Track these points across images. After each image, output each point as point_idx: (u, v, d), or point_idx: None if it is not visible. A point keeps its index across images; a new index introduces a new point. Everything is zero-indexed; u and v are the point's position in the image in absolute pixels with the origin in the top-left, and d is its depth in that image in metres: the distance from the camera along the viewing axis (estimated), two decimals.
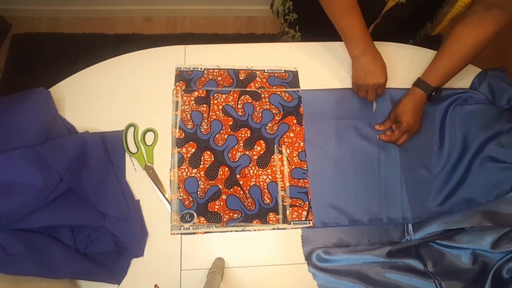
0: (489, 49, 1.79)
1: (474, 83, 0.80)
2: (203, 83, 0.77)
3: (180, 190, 0.69)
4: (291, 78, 0.79)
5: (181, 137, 0.73)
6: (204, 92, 0.76)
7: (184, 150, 0.72)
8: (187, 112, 0.74)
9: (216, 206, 0.69)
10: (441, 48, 0.72)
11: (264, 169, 0.72)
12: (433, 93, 0.72)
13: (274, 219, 0.69)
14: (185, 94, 0.75)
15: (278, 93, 0.77)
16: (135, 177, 0.70)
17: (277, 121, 0.75)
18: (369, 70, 0.71)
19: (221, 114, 0.75)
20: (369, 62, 0.71)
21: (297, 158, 0.73)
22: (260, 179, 0.71)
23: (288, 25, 0.98)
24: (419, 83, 0.72)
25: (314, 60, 0.81)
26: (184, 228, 0.67)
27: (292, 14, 0.95)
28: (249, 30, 1.69)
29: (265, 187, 0.71)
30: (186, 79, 0.77)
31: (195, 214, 0.68)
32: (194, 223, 0.68)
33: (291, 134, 0.74)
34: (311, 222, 0.69)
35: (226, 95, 0.76)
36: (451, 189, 0.72)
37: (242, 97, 0.76)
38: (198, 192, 0.70)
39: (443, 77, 0.71)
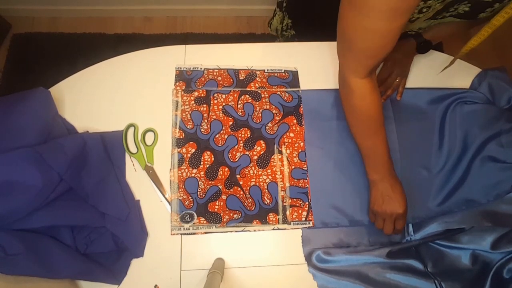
0: (489, 49, 1.80)
1: (474, 83, 0.80)
2: (203, 83, 0.77)
3: (180, 190, 0.69)
4: (291, 78, 0.79)
5: (181, 137, 0.73)
6: (204, 92, 0.76)
7: (184, 150, 0.72)
8: (187, 112, 0.74)
9: (216, 207, 0.69)
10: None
11: (264, 169, 0.72)
12: (422, 43, 0.73)
13: (274, 219, 0.69)
14: (185, 94, 0.75)
15: (278, 93, 0.77)
16: (135, 177, 0.70)
17: (277, 121, 0.75)
18: (387, 197, 0.65)
19: (221, 114, 0.75)
20: (388, 189, 0.65)
21: (297, 158, 0.73)
22: (260, 179, 0.71)
23: (285, 40, 0.98)
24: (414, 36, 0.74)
25: (314, 60, 0.81)
26: (184, 229, 0.67)
27: (290, 30, 0.95)
28: (249, 30, 1.69)
29: (265, 187, 0.71)
30: (186, 79, 0.77)
31: (195, 215, 0.68)
32: (194, 223, 0.68)
33: (291, 134, 0.74)
34: (311, 222, 0.69)
35: (226, 95, 0.76)
36: (451, 189, 0.72)
37: (242, 97, 0.76)
38: (198, 192, 0.69)
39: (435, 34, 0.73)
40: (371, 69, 0.58)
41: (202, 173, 0.71)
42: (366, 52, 0.55)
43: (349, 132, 0.75)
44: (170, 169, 0.71)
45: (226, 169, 0.71)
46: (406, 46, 0.76)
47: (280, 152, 0.73)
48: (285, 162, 0.72)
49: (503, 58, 1.68)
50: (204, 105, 0.75)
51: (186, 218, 0.68)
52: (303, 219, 0.69)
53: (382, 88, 0.76)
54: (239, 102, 0.76)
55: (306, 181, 0.72)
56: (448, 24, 0.71)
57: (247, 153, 0.73)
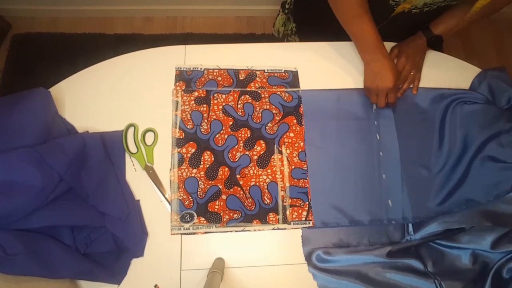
0: (489, 49, 1.80)
1: (474, 83, 0.80)
2: (203, 83, 0.77)
3: (180, 190, 0.69)
4: (291, 78, 0.79)
5: (181, 137, 0.73)
6: (204, 92, 0.76)
7: (184, 150, 0.72)
8: (187, 112, 0.74)
9: (216, 206, 0.69)
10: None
11: (264, 169, 0.72)
12: (433, 38, 0.76)
13: (274, 219, 0.69)
14: (185, 94, 0.75)
15: (278, 93, 0.77)
16: (135, 177, 0.70)
17: (277, 121, 0.75)
18: (379, 74, 0.71)
19: (221, 114, 0.75)
20: (380, 66, 0.71)
21: (297, 158, 0.73)
22: (260, 179, 0.71)
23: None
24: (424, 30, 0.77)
25: (314, 60, 0.81)
26: (184, 228, 0.67)
27: (295, 36, 0.95)
28: (249, 30, 1.69)
29: (265, 187, 0.71)
30: (186, 79, 0.77)
31: (195, 214, 0.68)
32: (194, 223, 0.68)
33: (291, 134, 0.74)
34: (311, 222, 0.69)
35: (226, 95, 0.76)
36: (451, 188, 0.72)
37: (242, 97, 0.76)
38: (198, 192, 0.70)
39: (445, 29, 0.76)
40: None
41: (202, 173, 0.71)
42: None
43: (349, 132, 0.75)
44: (170, 169, 0.71)
45: (226, 169, 0.71)
46: (417, 41, 0.78)
47: (280, 152, 0.73)
48: (285, 162, 0.72)
49: (503, 58, 1.68)
50: (204, 105, 0.75)
51: (186, 218, 0.68)
52: (303, 219, 0.69)
53: (398, 82, 0.77)
54: (239, 102, 0.76)
55: (306, 181, 0.72)
56: (455, 14, 0.73)
57: (247, 153, 0.73)
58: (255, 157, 0.72)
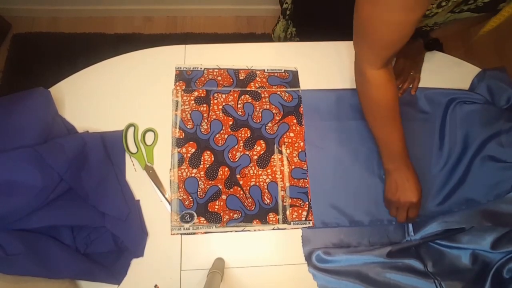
0: (489, 49, 1.80)
1: (473, 83, 0.80)
2: (203, 83, 0.77)
3: (180, 190, 0.69)
4: (291, 78, 0.79)
5: (181, 137, 0.73)
6: (204, 92, 0.76)
7: (184, 150, 0.72)
8: (187, 112, 0.74)
9: (216, 206, 0.69)
10: None
11: (264, 169, 0.72)
12: (430, 41, 0.76)
13: (274, 219, 0.69)
14: (185, 94, 0.75)
15: (278, 93, 0.77)
16: (135, 177, 0.70)
17: (277, 121, 0.75)
18: (401, 186, 0.66)
19: (221, 114, 0.75)
20: (403, 178, 0.66)
21: (297, 158, 0.73)
22: (260, 179, 0.71)
23: None
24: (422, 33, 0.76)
25: (314, 60, 0.81)
26: (184, 228, 0.67)
27: (294, 38, 0.95)
28: (249, 30, 1.69)
29: (265, 187, 0.71)
30: (186, 79, 0.77)
31: (195, 214, 0.68)
32: (194, 223, 0.68)
33: (291, 134, 0.74)
34: (311, 222, 0.69)
35: (226, 95, 0.76)
36: (451, 188, 0.72)
37: (242, 97, 0.76)
38: (198, 192, 0.69)
39: (441, 34, 0.77)
40: (387, 60, 0.59)
41: (202, 173, 0.71)
42: (382, 44, 0.56)
43: (349, 132, 0.75)
44: (170, 169, 0.71)
45: (226, 169, 0.71)
46: (415, 43, 0.78)
47: (280, 152, 0.73)
48: (285, 162, 0.72)
49: (503, 58, 1.68)
50: (204, 105, 0.75)
51: (186, 218, 0.68)
52: (303, 219, 0.69)
53: (398, 82, 0.78)
54: (239, 102, 0.76)
55: (306, 181, 0.72)
56: (455, 21, 0.71)
57: (247, 153, 0.73)
58: (255, 157, 0.72)
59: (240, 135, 0.74)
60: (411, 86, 0.79)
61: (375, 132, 0.68)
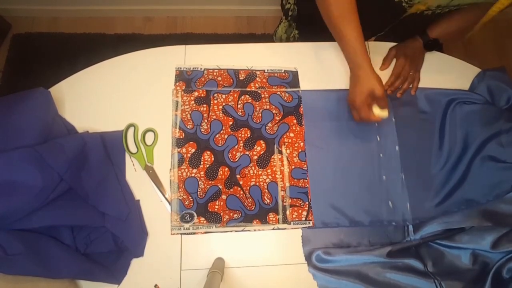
0: (489, 49, 1.80)
1: (473, 83, 0.80)
2: (203, 83, 0.77)
3: (180, 190, 0.69)
4: (291, 78, 0.79)
5: (181, 137, 0.73)
6: (204, 92, 0.76)
7: (184, 150, 0.72)
8: (187, 112, 0.74)
9: (216, 206, 0.69)
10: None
11: (264, 169, 0.72)
12: (429, 42, 0.76)
13: (274, 219, 0.69)
14: (185, 94, 0.75)
15: (278, 93, 0.77)
16: (135, 177, 0.70)
17: (277, 121, 0.75)
18: (363, 79, 0.68)
19: (221, 114, 0.75)
20: (363, 73, 0.68)
21: (297, 158, 0.73)
22: (260, 179, 0.71)
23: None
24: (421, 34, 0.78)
25: (314, 60, 0.81)
26: (184, 228, 0.67)
27: (297, 41, 0.95)
28: (249, 30, 1.69)
29: (265, 187, 0.71)
30: (186, 79, 0.77)
31: (195, 214, 0.68)
32: (194, 223, 0.68)
33: (291, 134, 0.74)
34: (311, 222, 0.69)
35: (226, 95, 0.76)
36: (451, 188, 0.72)
37: (242, 97, 0.76)
38: (198, 192, 0.69)
39: (441, 33, 0.77)
40: None
41: (202, 173, 0.71)
42: None
43: (349, 132, 0.75)
44: (170, 169, 0.71)
45: (226, 169, 0.71)
46: (415, 43, 0.78)
47: (280, 152, 0.73)
48: (285, 162, 0.72)
49: (503, 58, 1.68)
50: (204, 105, 0.75)
51: (186, 217, 0.68)
52: (303, 219, 0.69)
53: (397, 83, 0.78)
54: (239, 102, 0.76)
55: (306, 181, 0.72)
56: (455, 18, 0.72)
57: (247, 153, 0.73)
58: (255, 157, 0.72)
59: (240, 135, 0.74)
60: (411, 86, 0.79)
61: (333, 33, 0.70)
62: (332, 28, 0.70)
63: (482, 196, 0.69)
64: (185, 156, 0.72)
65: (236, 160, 0.72)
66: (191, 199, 0.69)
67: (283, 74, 0.79)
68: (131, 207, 0.67)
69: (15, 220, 0.56)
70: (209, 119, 0.74)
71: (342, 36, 0.68)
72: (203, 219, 0.68)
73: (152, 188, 0.70)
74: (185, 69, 0.78)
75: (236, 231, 0.68)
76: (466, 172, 0.72)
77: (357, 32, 0.67)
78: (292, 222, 0.69)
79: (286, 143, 0.74)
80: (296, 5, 0.89)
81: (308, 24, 0.91)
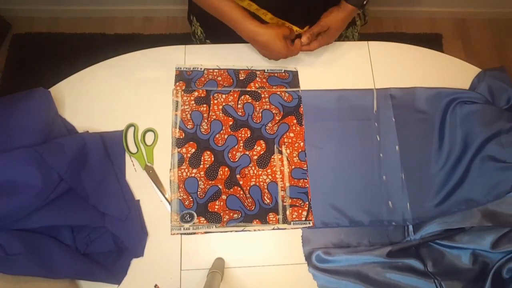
0: (489, 49, 1.81)
1: (474, 83, 0.80)
2: (203, 83, 0.77)
3: (180, 190, 0.69)
4: (291, 78, 0.79)
5: (181, 137, 0.73)
6: (204, 92, 0.76)
7: (184, 150, 0.72)
8: (187, 112, 0.74)
9: (216, 206, 0.69)
10: None
11: (264, 169, 0.72)
12: (364, 2, 0.71)
13: (274, 219, 0.69)
14: (185, 94, 0.75)
15: (278, 93, 0.77)
16: (135, 177, 0.70)
17: (277, 121, 0.75)
18: (265, 47, 0.71)
19: (221, 114, 0.75)
20: (255, 39, 0.70)
21: (297, 158, 0.73)
22: (260, 179, 0.71)
23: (201, 42, 0.96)
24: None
25: (314, 60, 0.81)
26: (184, 228, 0.67)
27: (206, 40, 0.94)
28: None
29: (265, 187, 0.71)
30: (186, 79, 0.77)
31: (195, 214, 0.68)
32: (194, 223, 0.68)
33: (291, 134, 0.74)
34: (311, 222, 0.69)
35: (226, 95, 0.76)
36: (451, 188, 0.72)
37: (242, 97, 0.76)
38: (198, 192, 0.70)
39: None
40: None
41: (202, 173, 0.71)
42: None
43: (349, 132, 0.75)
44: (170, 169, 0.71)
45: (226, 169, 0.71)
46: (346, 23, 0.75)
47: (280, 152, 0.73)
48: (285, 162, 0.72)
49: (503, 58, 1.68)
50: (204, 105, 0.75)
51: (186, 218, 0.68)
52: (303, 219, 0.69)
53: (305, 48, 0.76)
54: (239, 102, 0.76)
55: (306, 181, 0.72)
56: None
57: (247, 153, 0.73)
58: (255, 157, 0.72)
59: (240, 135, 0.74)
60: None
61: (215, 14, 0.69)
62: (212, 10, 0.70)
63: (482, 196, 0.69)
64: (185, 156, 0.72)
65: (236, 160, 0.72)
66: (191, 199, 0.69)
67: (283, 74, 0.79)
68: (131, 207, 0.67)
69: (15, 220, 0.56)
70: (209, 119, 0.74)
71: (221, 12, 0.68)
72: (203, 219, 0.68)
73: (152, 188, 0.70)
74: (185, 69, 0.78)
75: (236, 231, 0.68)
76: (466, 172, 0.72)
77: (229, 2, 0.67)
78: (292, 222, 0.69)
79: (286, 143, 0.74)
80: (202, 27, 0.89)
81: (208, 21, 0.88)
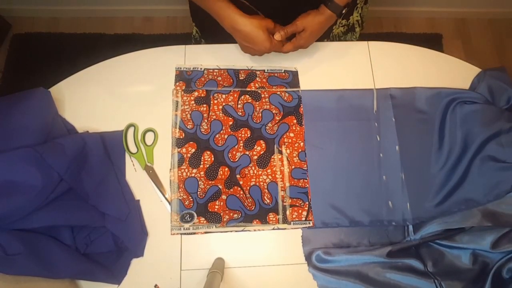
0: (489, 49, 1.81)
1: (474, 83, 0.80)
2: (203, 83, 0.77)
3: (180, 190, 0.69)
4: (291, 78, 0.79)
5: (181, 137, 0.73)
6: (204, 92, 0.76)
7: (184, 150, 0.72)
8: (187, 112, 0.74)
9: (216, 206, 0.69)
10: None
11: (264, 169, 0.72)
12: (343, 11, 0.68)
13: (274, 219, 0.69)
14: (185, 94, 0.75)
15: (278, 93, 0.77)
16: (135, 177, 0.70)
17: (277, 121, 0.75)
18: (246, 40, 0.68)
19: (221, 114, 0.75)
20: (235, 32, 0.68)
21: (297, 158, 0.73)
22: (260, 179, 0.71)
23: (196, 42, 0.96)
24: (328, 4, 0.66)
25: (314, 60, 0.81)
26: (184, 228, 0.67)
27: (200, 39, 0.94)
28: None
29: (265, 187, 0.71)
30: (186, 79, 0.77)
31: (195, 214, 0.68)
32: (194, 223, 0.68)
33: (291, 134, 0.74)
34: (311, 222, 0.69)
35: (226, 95, 0.76)
36: (451, 188, 0.72)
37: (242, 97, 0.76)
38: (198, 192, 0.70)
39: None
40: None
41: (202, 173, 0.71)
42: None
43: (349, 132, 0.75)
44: (170, 169, 0.71)
45: (226, 169, 0.71)
46: (324, 29, 0.71)
47: (280, 152, 0.73)
48: (285, 162, 0.72)
49: (503, 58, 1.68)
50: (204, 105, 0.75)
51: (186, 218, 0.68)
52: (303, 219, 0.69)
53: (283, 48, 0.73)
54: (239, 102, 0.76)
55: (306, 181, 0.72)
56: None
57: (247, 153, 0.73)
58: (255, 157, 0.72)
59: (240, 135, 0.74)
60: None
61: (206, 10, 0.68)
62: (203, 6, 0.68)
63: (482, 196, 0.69)
64: (185, 156, 0.72)
65: (236, 160, 0.72)
66: (191, 199, 0.69)
67: (283, 74, 0.79)
68: (131, 207, 0.67)
69: (15, 220, 0.56)
70: (209, 119, 0.74)
71: (209, 8, 0.67)
72: (203, 219, 0.68)
73: (152, 188, 0.70)
74: (185, 69, 0.78)
75: (236, 231, 0.68)
76: (466, 172, 0.72)
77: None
78: (292, 222, 0.69)
79: (286, 143, 0.74)
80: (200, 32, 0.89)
81: (203, 22, 0.89)
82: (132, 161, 0.71)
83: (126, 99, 0.75)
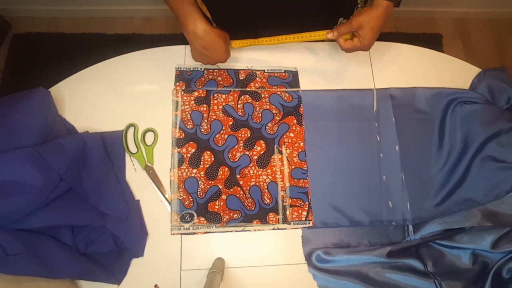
0: (489, 49, 1.80)
1: (474, 83, 0.80)
2: (203, 83, 0.77)
3: (180, 190, 0.69)
4: (291, 78, 0.79)
5: (181, 137, 0.73)
6: (204, 92, 0.76)
7: (184, 150, 0.72)
8: (187, 112, 0.74)
9: (216, 206, 0.69)
10: None
11: (264, 169, 0.72)
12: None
13: (274, 219, 0.69)
14: (185, 94, 0.75)
15: (278, 93, 0.77)
16: (135, 177, 0.70)
17: (277, 121, 0.75)
18: (206, 47, 0.69)
19: (221, 114, 0.75)
20: (199, 46, 0.69)
21: (297, 158, 0.73)
22: (260, 179, 0.71)
23: None
24: None
25: (314, 60, 0.81)
26: (184, 228, 0.67)
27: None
28: None
29: (265, 187, 0.71)
30: (186, 79, 0.77)
31: (195, 214, 0.68)
32: (194, 223, 0.68)
33: (291, 134, 0.74)
34: (311, 222, 0.69)
35: (226, 95, 0.76)
36: (451, 188, 0.72)
37: (242, 97, 0.76)
38: (198, 192, 0.70)
39: None
40: None
41: (202, 173, 0.71)
42: None
43: (349, 132, 0.75)
44: (170, 169, 0.71)
45: (226, 169, 0.71)
46: (383, 23, 0.68)
47: (280, 152, 0.73)
48: (285, 162, 0.72)
49: (503, 58, 1.68)
50: (204, 105, 0.75)
51: (186, 218, 0.68)
52: (303, 219, 0.69)
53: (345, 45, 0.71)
54: (239, 102, 0.76)
55: (306, 181, 0.72)
56: None
57: (247, 153, 0.73)
58: (255, 157, 0.72)
59: (240, 135, 0.74)
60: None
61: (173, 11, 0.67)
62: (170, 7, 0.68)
63: (482, 196, 0.69)
64: (185, 156, 0.72)
65: (236, 160, 0.72)
66: (191, 199, 0.69)
67: (283, 74, 0.79)
68: (131, 207, 0.67)
69: (15, 220, 0.56)
70: (209, 119, 0.74)
71: (176, 10, 0.68)
72: (203, 219, 0.68)
73: (152, 188, 0.70)
74: (185, 69, 0.78)
75: (236, 231, 0.68)
76: (466, 172, 0.72)
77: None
78: (292, 222, 0.69)
79: (286, 143, 0.74)
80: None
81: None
82: (132, 161, 0.71)
83: (126, 99, 0.75)
